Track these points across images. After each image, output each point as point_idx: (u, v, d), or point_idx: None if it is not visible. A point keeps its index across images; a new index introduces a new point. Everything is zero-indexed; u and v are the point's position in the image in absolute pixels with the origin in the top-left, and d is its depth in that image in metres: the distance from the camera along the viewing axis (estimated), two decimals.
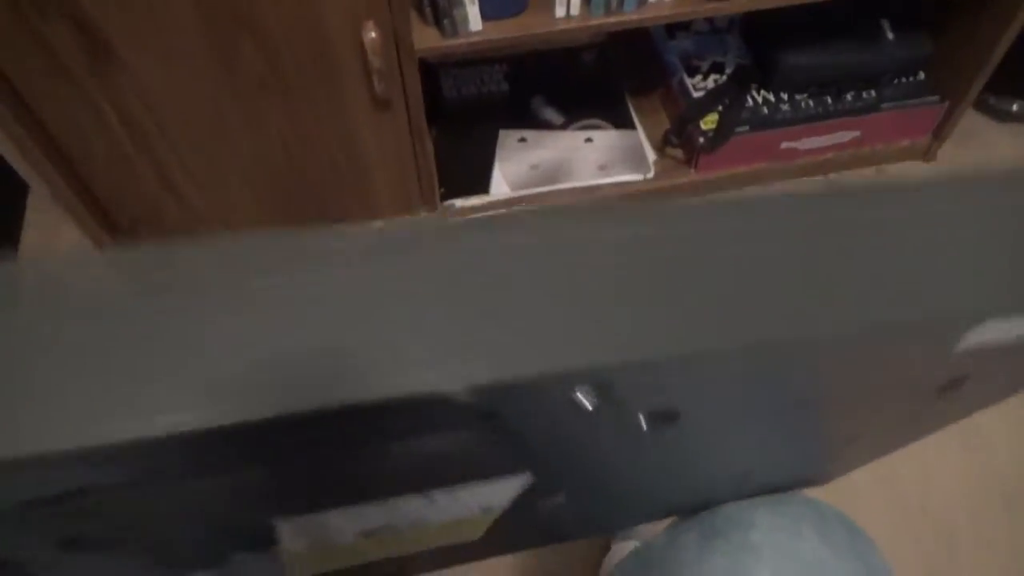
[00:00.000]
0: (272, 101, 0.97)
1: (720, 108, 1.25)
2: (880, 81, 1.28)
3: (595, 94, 1.37)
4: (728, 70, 1.29)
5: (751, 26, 1.33)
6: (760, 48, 1.29)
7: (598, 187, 1.26)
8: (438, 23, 0.97)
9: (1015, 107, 1.38)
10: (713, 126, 1.25)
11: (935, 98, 1.28)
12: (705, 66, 1.31)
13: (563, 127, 1.32)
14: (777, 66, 1.24)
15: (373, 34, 0.91)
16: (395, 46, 0.94)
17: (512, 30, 0.99)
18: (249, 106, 0.97)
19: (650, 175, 1.28)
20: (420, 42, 0.96)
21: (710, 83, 1.28)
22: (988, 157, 1.36)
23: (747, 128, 1.25)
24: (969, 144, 1.37)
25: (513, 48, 1.34)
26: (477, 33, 0.98)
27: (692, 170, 1.29)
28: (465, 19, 0.96)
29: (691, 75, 1.29)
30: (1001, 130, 1.40)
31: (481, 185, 1.25)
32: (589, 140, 1.31)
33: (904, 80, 1.29)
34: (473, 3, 0.94)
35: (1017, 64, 1.30)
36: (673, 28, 1.36)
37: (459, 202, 1.24)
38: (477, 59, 1.38)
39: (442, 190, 1.25)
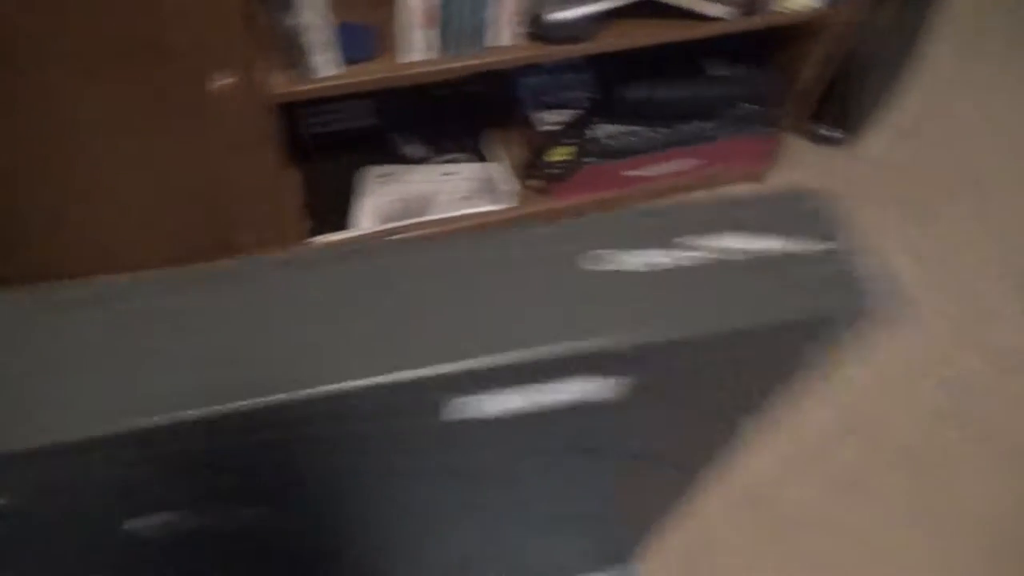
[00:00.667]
0: (145, 142, 0.97)
1: (572, 140, 1.34)
2: (715, 113, 1.41)
3: (458, 128, 1.43)
4: (579, 104, 1.39)
5: (600, 64, 1.43)
6: (607, 84, 1.39)
7: (461, 218, 1.32)
8: (294, 68, 1.00)
9: (829, 132, 1.54)
10: (565, 157, 1.33)
11: (763, 127, 1.42)
12: (556, 101, 1.39)
13: (427, 161, 1.37)
14: (622, 100, 1.34)
15: (228, 81, 0.93)
16: (252, 92, 0.96)
17: (368, 73, 1.03)
18: (123, 144, 0.97)
19: (512, 205, 1.34)
20: (278, 87, 0.99)
21: (561, 117, 1.37)
22: (811, 180, 1.52)
23: (595, 159, 1.35)
24: (795, 166, 1.53)
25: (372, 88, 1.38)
26: (332, 78, 1.01)
27: (548, 200, 1.37)
28: (320, 65, 0.99)
29: (544, 109, 1.37)
30: (820, 153, 1.56)
31: (346, 220, 1.28)
32: (453, 173, 1.36)
33: (735, 112, 1.42)
34: (327, 49, 0.98)
35: (827, 95, 1.46)
36: (528, 66, 1.44)
37: (320, 239, 1.27)
38: (343, 95, 1.41)
39: (311, 225, 1.27)
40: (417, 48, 1.03)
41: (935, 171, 1.56)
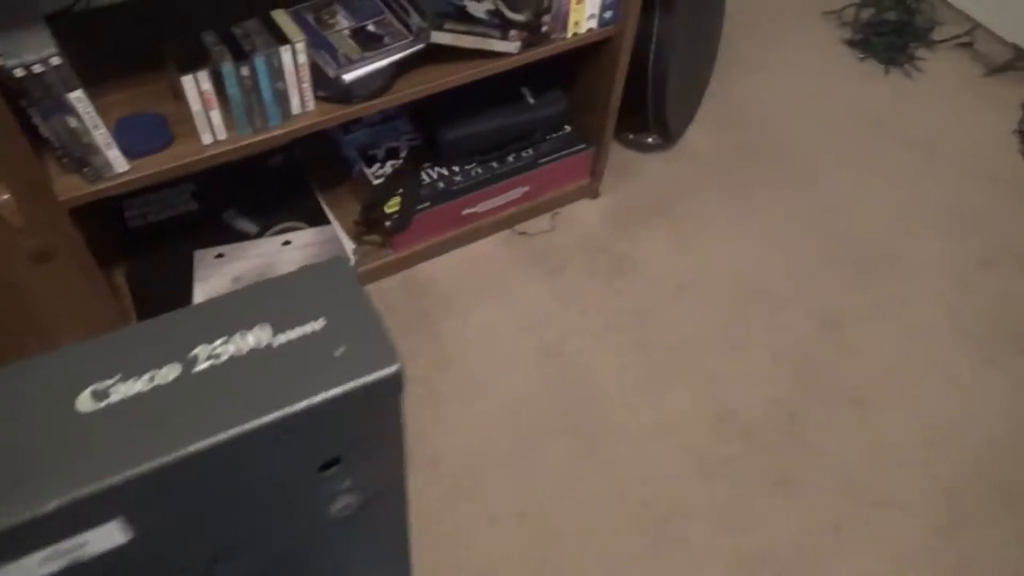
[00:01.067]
0: None
1: (400, 190, 1.36)
2: (534, 140, 1.45)
3: (286, 196, 1.42)
4: (402, 154, 1.41)
5: (416, 110, 1.45)
6: (426, 128, 1.42)
7: None
8: (82, 170, 0.97)
9: (651, 140, 1.62)
10: (397, 208, 1.34)
11: (582, 145, 1.47)
12: (381, 153, 1.41)
13: (260, 235, 1.36)
14: (442, 142, 1.37)
15: (5, 196, 0.90)
16: (37, 201, 0.94)
17: (162, 163, 1.02)
18: None
19: (350, 265, 1.34)
20: (65, 192, 0.96)
21: (388, 168, 1.38)
22: (642, 184, 1.58)
23: (428, 204, 1.36)
24: (626, 175, 1.59)
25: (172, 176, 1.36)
26: (125, 174, 0.99)
27: (389, 251, 1.38)
28: (107, 163, 0.97)
29: (370, 164, 1.39)
30: (647, 159, 1.63)
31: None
32: (287, 243, 1.35)
33: (554, 136, 1.47)
34: (111, 147, 0.96)
35: (641, 105, 1.54)
36: (347, 123, 1.45)
37: None
38: (155, 185, 1.38)
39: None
40: (213, 130, 1.03)
41: (753, 155, 1.66)
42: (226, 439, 0.30)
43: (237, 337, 0.31)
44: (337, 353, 0.31)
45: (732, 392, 1.29)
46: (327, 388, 0.31)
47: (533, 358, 1.31)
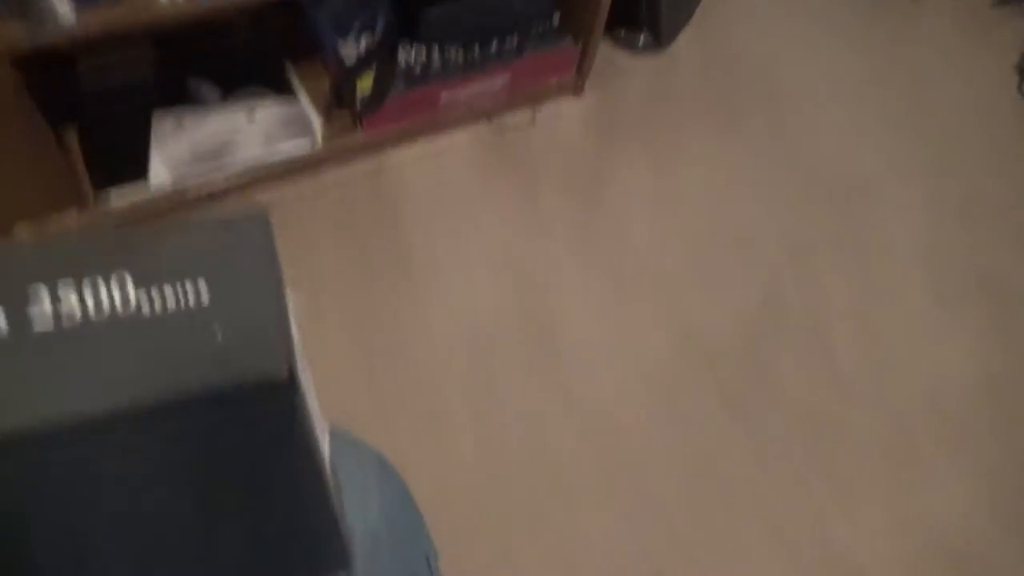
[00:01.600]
0: None
1: (374, 69, 1.29)
2: (519, 29, 1.38)
3: (253, 65, 1.35)
4: (379, 30, 1.33)
5: None
6: (406, 4, 1.34)
7: (265, 161, 1.26)
8: (25, 18, 0.91)
9: (642, 40, 1.54)
10: (370, 87, 1.28)
11: (569, 40, 1.40)
12: (356, 28, 1.33)
13: (223, 103, 1.30)
14: (422, 20, 1.29)
15: None
16: None
17: (114, 18, 0.95)
18: None
19: (317, 142, 1.29)
20: (3, 43, 0.90)
21: (362, 45, 1.31)
22: (628, 90, 1.52)
23: (403, 86, 1.30)
24: (612, 78, 1.53)
25: (146, 29, 1.28)
26: (71, 26, 0.93)
27: (359, 131, 1.33)
28: (52, 11, 0.90)
29: (343, 36, 1.31)
30: (635, 64, 1.56)
31: (138, 174, 1.21)
32: (252, 112, 1.30)
33: (540, 27, 1.40)
34: None
35: (635, 4, 1.46)
36: None
37: (115, 194, 1.19)
38: (119, 43, 1.30)
39: (98, 185, 1.19)
40: None
41: (742, 77, 1.59)
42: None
43: (89, 291, 0.25)
44: (218, 337, 0.25)
45: (697, 317, 1.28)
46: (178, 381, 0.24)
47: (498, 267, 1.29)
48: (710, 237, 1.38)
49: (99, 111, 1.25)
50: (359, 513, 0.48)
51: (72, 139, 1.22)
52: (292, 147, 1.28)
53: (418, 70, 1.32)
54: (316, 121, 1.32)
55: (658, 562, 1.06)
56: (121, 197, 1.20)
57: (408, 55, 1.33)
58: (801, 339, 1.28)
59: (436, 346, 1.20)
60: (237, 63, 1.34)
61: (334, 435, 0.50)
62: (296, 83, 1.34)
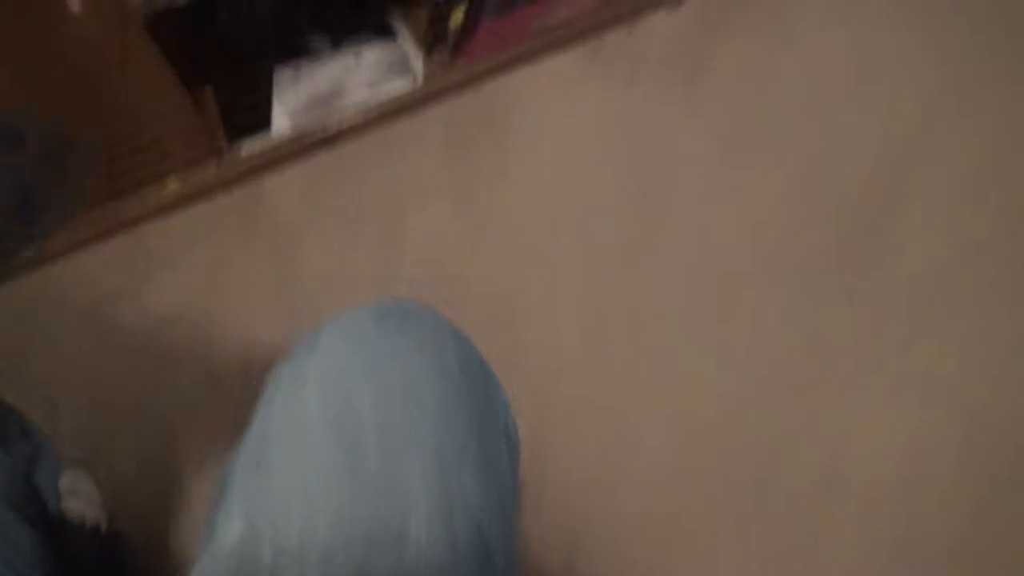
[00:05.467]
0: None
1: (464, 2, 1.34)
2: None
3: (359, 14, 1.44)
4: None
5: None
6: None
7: (373, 102, 1.35)
8: None
9: None
10: (461, 21, 1.33)
11: None
12: None
13: (333, 51, 1.40)
14: None
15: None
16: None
17: None
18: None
19: (418, 80, 1.37)
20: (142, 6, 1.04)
21: None
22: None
23: (493, 14, 1.34)
24: None
25: None
26: None
27: (456, 66, 1.38)
28: None
29: None
30: None
31: (264, 125, 1.34)
32: (359, 57, 1.39)
33: None
34: None
35: None
36: None
37: (246, 145, 1.33)
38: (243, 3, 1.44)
39: (231, 137, 1.33)
40: None
41: None
42: None
43: None
44: None
45: (820, 180, 1.24)
46: None
47: (604, 143, 1.30)
48: (840, 89, 1.31)
49: (230, 71, 1.39)
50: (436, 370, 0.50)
51: (208, 99, 1.37)
52: (396, 87, 1.36)
53: None
54: (417, 60, 1.39)
55: (765, 407, 1.07)
56: (251, 146, 1.34)
57: None
58: (942, 193, 1.20)
59: (542, 232, 1.25)
60: (344, 13, 1.44)
61: (391, 311, 0.54)
62: (398, 27, 1.42)
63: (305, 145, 1.35)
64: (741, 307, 1.17)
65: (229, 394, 1.14)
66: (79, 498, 0.77)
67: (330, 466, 0.43)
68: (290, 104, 1.36)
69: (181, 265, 1.25)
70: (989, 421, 1.09)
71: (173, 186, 1.30)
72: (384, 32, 1.42)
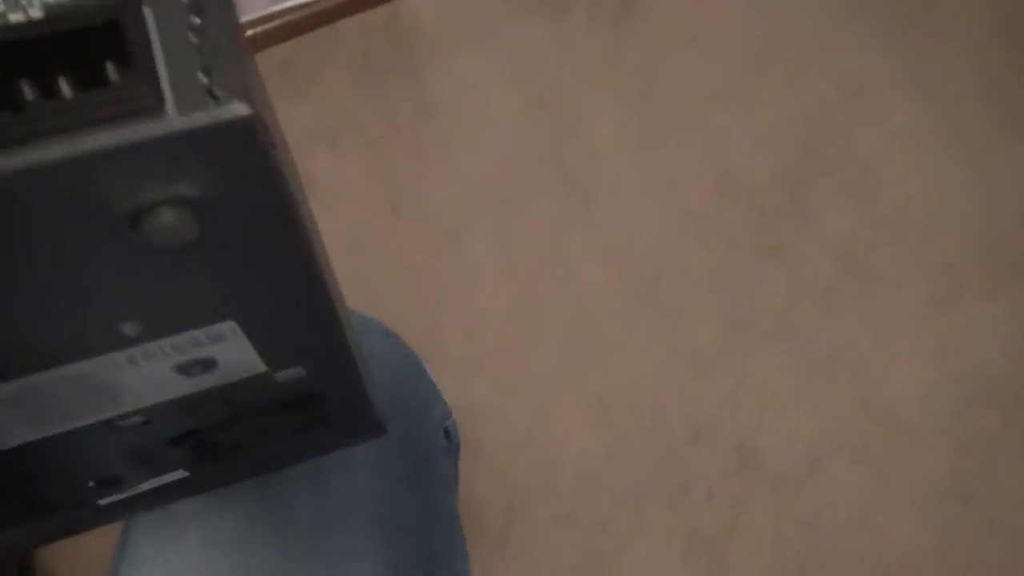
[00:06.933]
0: None
1: None
2: None
3: None
4: None
5: None
6: None
7: (273, 11, 1.19)
8: None
9: None
10: None
11: None
12: None
13: None
14: None
15: None
16: None
17: None
18: None
19: None
20: None
21: None
22: None
23: None
24: None
25: None
26: None
27: None
28: None
29: None
30: None
31: None
32: None
33: None
34: None
35: None
36: None
37: None
38: None
39: None
40: None
41: None
42: None
43: None
44: None
45: (737, 154, 1.21)
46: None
47: (525, 109, 1.22)
48: (753, 65, 1.27)
49: None
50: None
51: None
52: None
53: None
54: None
55: (691, 400, 1.07)
56: None
57: None
58: (846, 177, 1.21)
59: (463, 187, 1.17)
60: None
61: None
62: None
63: None
64: (669, 284, 1.14)
65: None
66: None
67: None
68: None
69: None
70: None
71: None
72: None
